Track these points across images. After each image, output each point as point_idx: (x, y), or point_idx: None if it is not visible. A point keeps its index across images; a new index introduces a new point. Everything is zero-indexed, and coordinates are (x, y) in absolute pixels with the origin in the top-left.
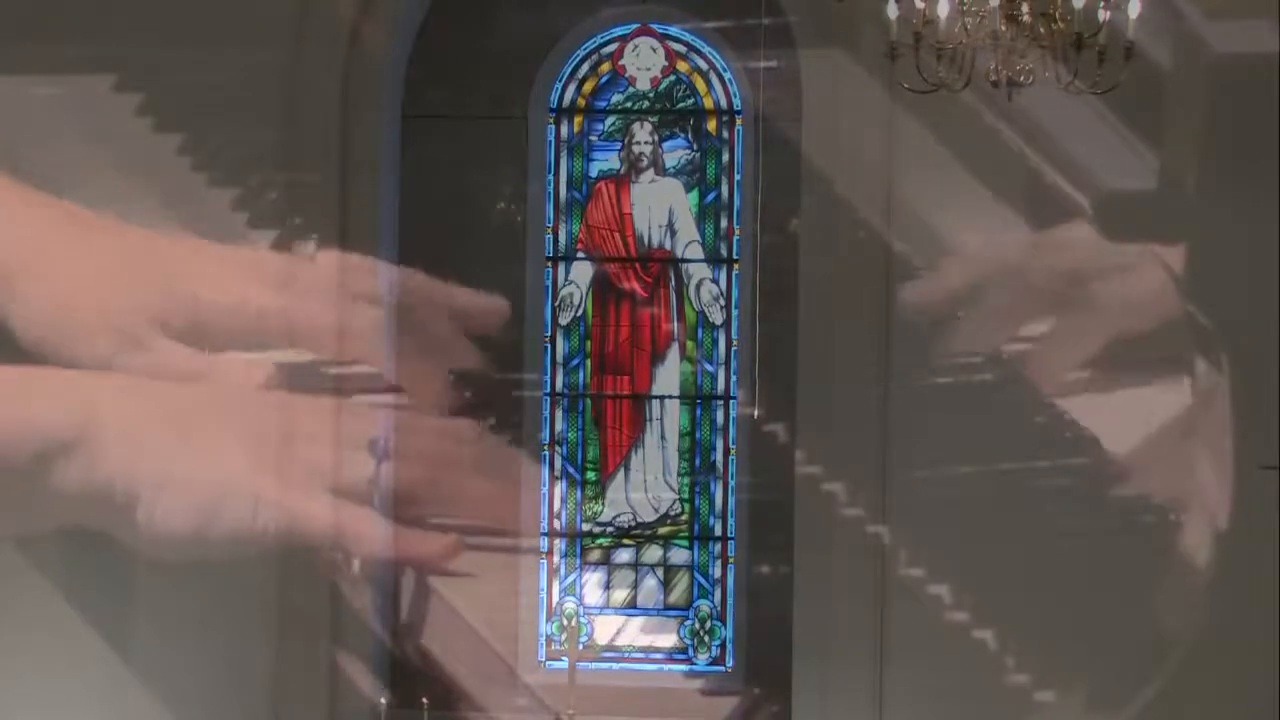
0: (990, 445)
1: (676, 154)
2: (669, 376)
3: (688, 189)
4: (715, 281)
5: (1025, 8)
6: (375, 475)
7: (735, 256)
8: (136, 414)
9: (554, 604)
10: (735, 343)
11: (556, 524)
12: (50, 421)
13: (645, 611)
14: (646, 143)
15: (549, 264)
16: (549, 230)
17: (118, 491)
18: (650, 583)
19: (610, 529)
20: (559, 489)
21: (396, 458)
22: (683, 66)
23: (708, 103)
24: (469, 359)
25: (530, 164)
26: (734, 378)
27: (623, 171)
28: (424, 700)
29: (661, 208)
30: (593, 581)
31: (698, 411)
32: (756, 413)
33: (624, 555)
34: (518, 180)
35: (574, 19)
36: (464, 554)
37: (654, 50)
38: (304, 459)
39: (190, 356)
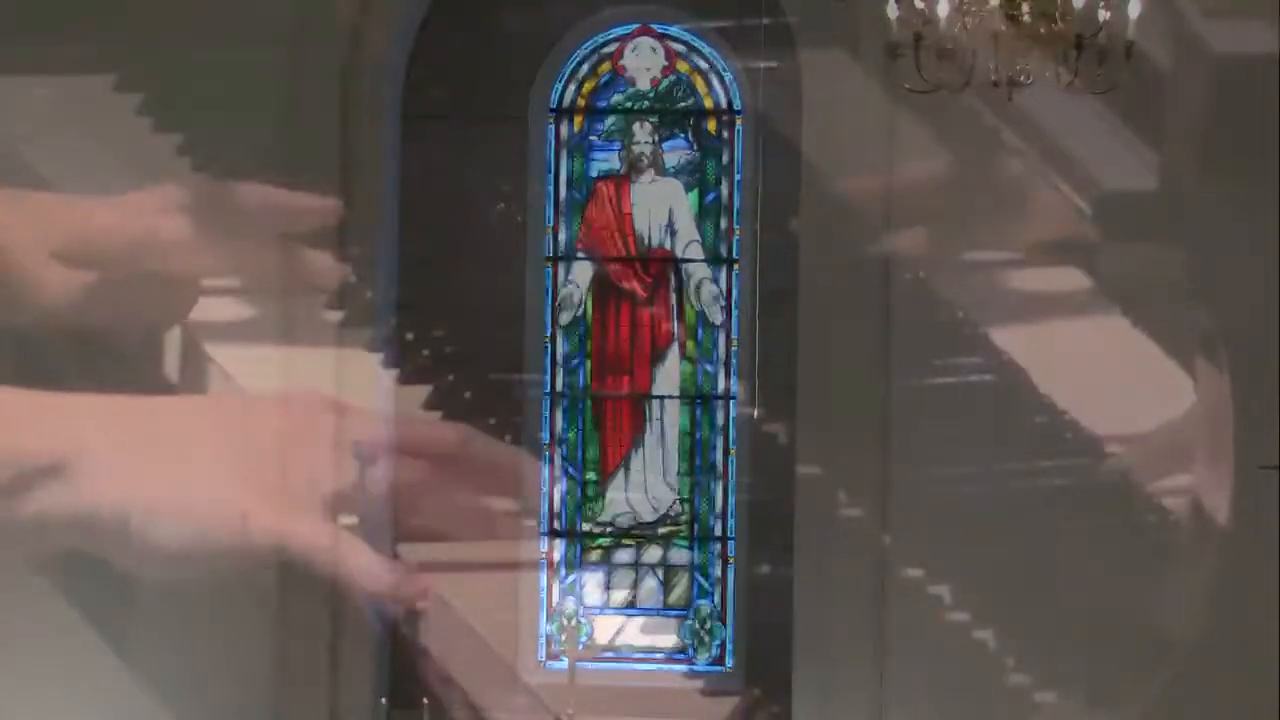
0: (990, 445)
1: (676, 154)
2: (669, 376)
3: (688, 189)
4: (715, 281)
5: (1025, 8)
6: (361, 482)
7: (735, 256)
8: (119, 436)
9: (554, 604)
10: (735, 343)
11: (556, 524)
12: (30, 447)
13: (645, 611)
14: (646, 143)
15: (549, 264)
16: (549, 230)
17: (105, 516)
18: (650, 583)
19: (610, 529)
20: (559, 489)
21: (390, 461)
22: (683, 66)
23: (708, 103)
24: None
25: (530, 164)
26: (734, 378)
27: (623, 171)
28: (424, 700)
29: (661, 208)
30: (593, 581)
31: (698, 411)
32: (756, 413)
33: (624, 555)
34: (518, 180)
35: (574, 19)
36: (429, 592)
37: (654, 50)
38: (300, 475)
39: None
